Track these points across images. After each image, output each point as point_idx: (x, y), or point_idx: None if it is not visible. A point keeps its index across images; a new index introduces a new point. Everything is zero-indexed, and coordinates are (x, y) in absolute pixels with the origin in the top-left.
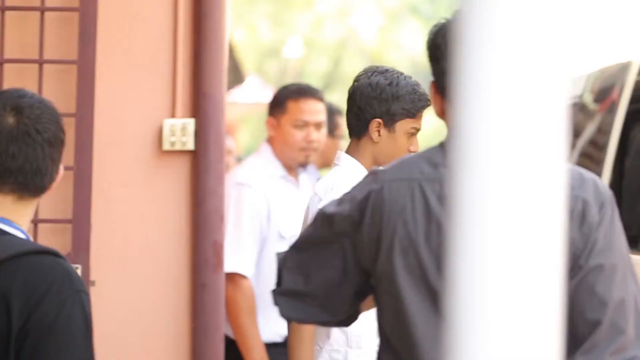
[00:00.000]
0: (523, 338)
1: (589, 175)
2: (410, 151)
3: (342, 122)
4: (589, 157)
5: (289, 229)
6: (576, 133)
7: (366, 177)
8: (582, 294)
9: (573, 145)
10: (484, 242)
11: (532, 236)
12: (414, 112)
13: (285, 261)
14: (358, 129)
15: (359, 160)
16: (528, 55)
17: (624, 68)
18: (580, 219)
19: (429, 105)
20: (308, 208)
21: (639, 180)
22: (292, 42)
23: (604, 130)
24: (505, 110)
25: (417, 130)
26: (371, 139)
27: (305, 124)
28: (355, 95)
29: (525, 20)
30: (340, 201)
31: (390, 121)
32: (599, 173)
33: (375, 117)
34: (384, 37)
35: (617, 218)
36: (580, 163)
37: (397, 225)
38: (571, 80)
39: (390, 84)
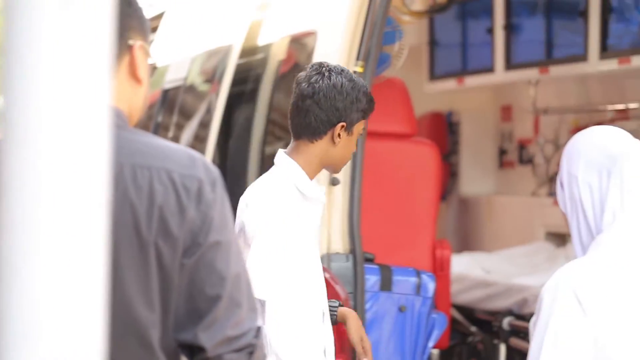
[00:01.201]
0: (66, 332)
1: (197, 155)
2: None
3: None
4: (198, 138)
5: None
6: (186, 115)
7: None
8: (202, 271)
9: (183, 127)
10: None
11: (74, 225)
12: (368, 113)
13: None
14: (314, 131)
15: (301, 163)
16: (70, 50)
17: (227, 51)
18: (197, 197)
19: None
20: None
21: (241, 160)
22: None
23: (211, 112)
24: (49, 103)
25: (364, 130)
26: (331, 141)
27: None
28: (316, 96)
29: (65, 14)
30: None
31: (350, 124)
32: (204, 153)
33: (341, 121)
34: None
35: (226, 196)
36: (191, 144)
37: None
38: (177, 63)
39: (352, 87)
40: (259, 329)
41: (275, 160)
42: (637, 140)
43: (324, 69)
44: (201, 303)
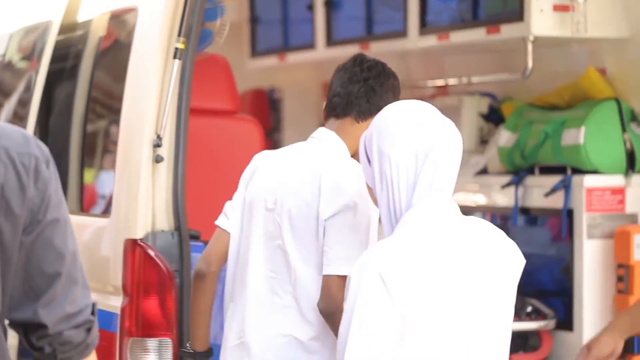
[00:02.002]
0: None
1: (28, 133)
2: None
3: None
4: (17, 116)
5: None
6: (5, 92)
7: None
8: (41, 248)
9: (1, 105)
10: None
11: None
12: None
13: None
14: (365, 112)
15: (348, 143)
16: None
17: (45, 27)
18: (35, 175)
19: None
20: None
21: (63, 138)
22: None
23: (30, 89)
24: None
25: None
26: (358, 123)
27: None
28: (374, 81)
29: None
30: None
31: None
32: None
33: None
34: None
35: (58, 174)
36: (11, 122)
37: None
38: None
39: (398, 85)
40: (94, 306)
41: (320, 136)
42: (447, 119)
43: (372, 59)
44: (40, 280)
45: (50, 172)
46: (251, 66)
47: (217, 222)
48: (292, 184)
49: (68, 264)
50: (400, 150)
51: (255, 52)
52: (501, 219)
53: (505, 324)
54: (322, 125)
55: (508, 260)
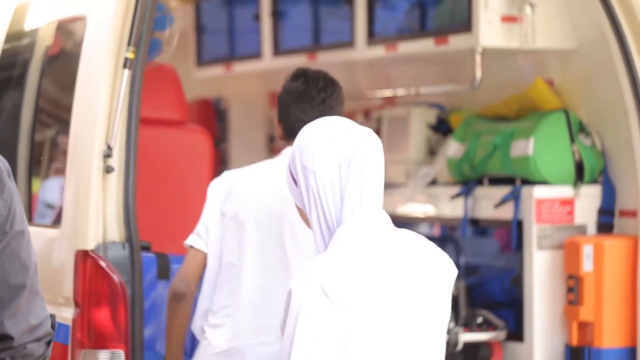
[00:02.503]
0: None
1: None
2: None
3: None
4: None
5: None
6: None
7: None
8: (6, 260)
9: None
10: None
11: None
12: None
13: None
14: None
15: None
16: None
17: None
18: (0, 187)
19: None
20: None
21: (10, 148)
22: None
23: None
24: None
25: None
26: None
27: None
28: (329, 99)
29: None
30: None
31: None
32: None
33: None
34: None
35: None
36: None
37: None
38: None
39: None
40: (53, 318)
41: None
42: (366, 128)
43: (327, 77)
44: (4, 292)
45: (12, 184)
46: (197, 75)
47: (189, 243)
48: (282, 195)
49: (32, 275)
50: (323, 163)
51: (201, 61)
52: (450, 229)
53: (441, 332)
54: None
55: (441, 270)
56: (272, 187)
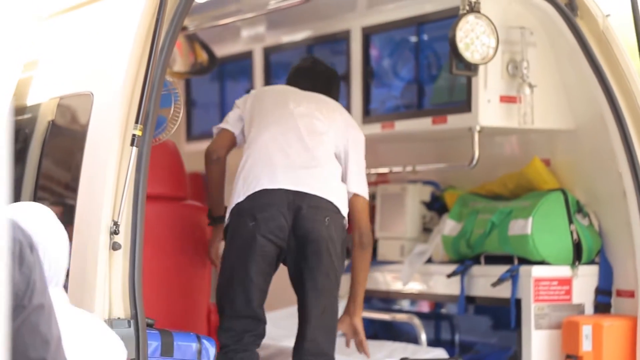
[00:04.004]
0: None
1: (11, 217)
2: None
3: None
4: None
5: None
6: None
7: None
8: (26, 334)
9: None
10: None
11: None
12: None
13: None
14: None
15: None
16: None
17: None
18: (19, 260)
19: None
20: None
21: None
22: None
23: None
24: None
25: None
26: None
27: None
28: None
29: None
30: None
31: None
32: None
33: None
34: None
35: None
36: None
37: None
38: None
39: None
40: None
41: None
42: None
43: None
44: None
45: (35, 257)
46: (187, 150)
47: (220, 126)
48: None
49: (53, 350)
50: None
51: (191, 136)
52: (446, 307)
53: None
54: None
55: None
56: None
